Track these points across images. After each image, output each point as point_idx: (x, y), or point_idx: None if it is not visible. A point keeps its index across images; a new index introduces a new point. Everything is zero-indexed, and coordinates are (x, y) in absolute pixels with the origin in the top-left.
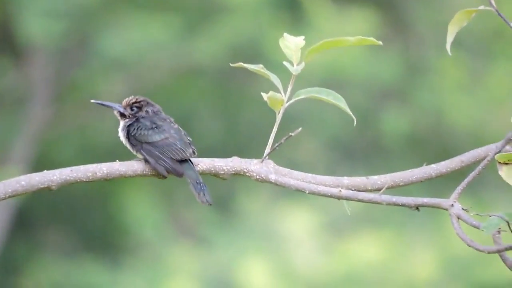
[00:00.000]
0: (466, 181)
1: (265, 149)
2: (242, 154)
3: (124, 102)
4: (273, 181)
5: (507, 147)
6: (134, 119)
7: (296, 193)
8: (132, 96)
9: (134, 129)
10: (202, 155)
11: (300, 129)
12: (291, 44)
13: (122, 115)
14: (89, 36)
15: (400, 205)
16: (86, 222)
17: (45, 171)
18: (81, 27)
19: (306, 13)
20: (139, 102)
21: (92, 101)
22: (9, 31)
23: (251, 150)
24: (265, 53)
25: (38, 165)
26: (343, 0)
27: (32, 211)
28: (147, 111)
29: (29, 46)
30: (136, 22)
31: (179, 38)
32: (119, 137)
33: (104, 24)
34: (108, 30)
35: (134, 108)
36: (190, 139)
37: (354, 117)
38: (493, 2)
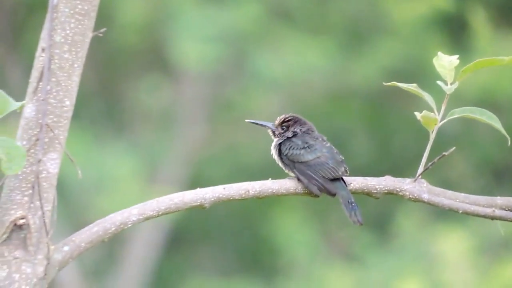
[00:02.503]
0: None
1: (418, 168)
2: (395, 174)
3: (277, 120)
4: (426, 200)
5: None
6: (284, 138)
7: (450, 213)
8: (284, 115)
9: (286, 148)
10: (354, 174)
11: (453, 148)
12: (445, 63)
13: (274, 133)
14: (244, 57)
15: None
16: (239, 241)
17: (198, 188)
18: (235, 50)
19: (467, 35)
20: (288, 121)
21: (246, 120)
22: (164, 51)
23: (404, 170)
24: (421, 74)
25: (191, 185)
26: (504, 24)
27: (186, 231)
28: (294, 131)
29: (183, 67)
30: (292, 43)
31: (335, 59)
32: (271, 155)
33: (260, 46)
34: (263, 52)
35: (284, 127)
36: (342, 158)
37: (508, 137)
38: None
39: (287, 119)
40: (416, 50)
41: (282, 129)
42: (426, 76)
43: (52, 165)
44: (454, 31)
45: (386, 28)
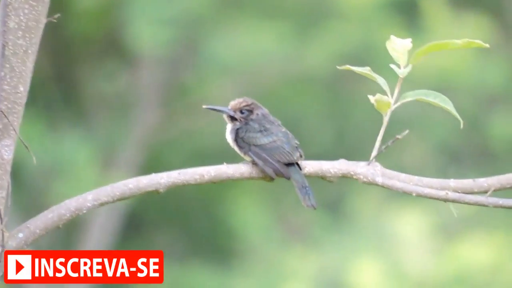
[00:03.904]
0: None
1: (372, 152)
2: (350, 157)
3: (233, 105)
4: (380, 183)
5: None
6: (244, 123)
7: (406, 195)
8: (242, 99)
9: (243, 131)
10: (310, 158)
11: (407, 131)
12: (398, 47)
13: (233, 118)
14: (198, 41)
15: (507, 208)
16: (195, 226)
17: (153, 174)
18: (190, 34)
19: (420, 18)
20: (250, 105)
21: (204, 106)
22: (119, 36)
23: (359, 153)
24: (374, 57)
25: (147, 170)
26: (459, 6)
27: (142, 216)
28: (257, 114)
29: (138, 52)
30: (246, 28)
31: (289, 44)
32: (226, 140)
33: (214, 30)
34: (217, 36)
35: (245, 112)
36: (298, 143)
37: (461, 120)
38: None
39: (249, 103)
40: (369, 33)
41: (243, 113)
42: (380, 59)
43: (6, 151)
44: (407, 13)
45: (339, 12)
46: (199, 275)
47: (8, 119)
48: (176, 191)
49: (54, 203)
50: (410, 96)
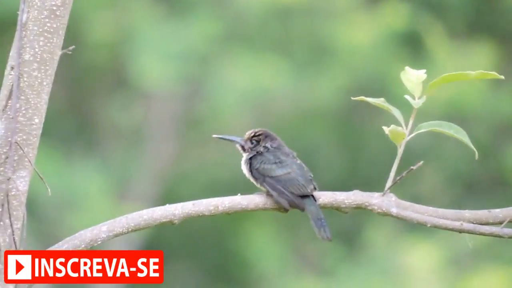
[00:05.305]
0: None
1: (386, 183)
2: (364, 188)
3: (246, 135)
4: (394, 214)
5: None
6: (254, 153)
7: (420, 226)
8: (252, 130)
9: (258, 162)
10: (324, 189)
11: (421, 162)
12: (413, 78)
13: (243, 148)
14: (206, 75)
15: None
16: (209, 257)
17: (167, 205)
18: (197, 69)
19: (425, 49)
20: (258, 136)
21: (213, 136)
22: (129, 71)
23: (373, 184)
24: (384, 89)
25: (162, 202)
26: (463, 36)
27: (156, 247)
28: (265, 146)
29: (147, 87)
30: (253, 61)
31: (297, 77)
32: (241, 170)
33: (221, 64)
34: (225, 70)
35: (254, 142)
36: (312, 175)
37: (475, 150)
38: None
39: (257, 134)
40: (375, 66)
41: (252, 143)
42: (388, 90)
43: (21, 183)
44: (412, 47)
45: (344, 49)
46: None
47: (23, 150)
48: (191, 222)
49: (68, 234)
50: (425, 127)
